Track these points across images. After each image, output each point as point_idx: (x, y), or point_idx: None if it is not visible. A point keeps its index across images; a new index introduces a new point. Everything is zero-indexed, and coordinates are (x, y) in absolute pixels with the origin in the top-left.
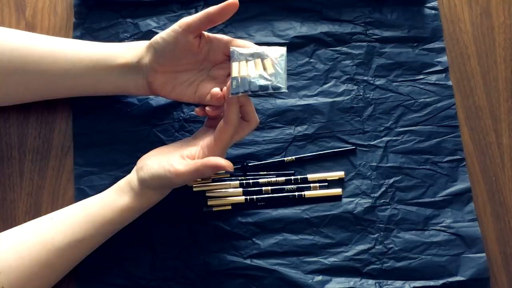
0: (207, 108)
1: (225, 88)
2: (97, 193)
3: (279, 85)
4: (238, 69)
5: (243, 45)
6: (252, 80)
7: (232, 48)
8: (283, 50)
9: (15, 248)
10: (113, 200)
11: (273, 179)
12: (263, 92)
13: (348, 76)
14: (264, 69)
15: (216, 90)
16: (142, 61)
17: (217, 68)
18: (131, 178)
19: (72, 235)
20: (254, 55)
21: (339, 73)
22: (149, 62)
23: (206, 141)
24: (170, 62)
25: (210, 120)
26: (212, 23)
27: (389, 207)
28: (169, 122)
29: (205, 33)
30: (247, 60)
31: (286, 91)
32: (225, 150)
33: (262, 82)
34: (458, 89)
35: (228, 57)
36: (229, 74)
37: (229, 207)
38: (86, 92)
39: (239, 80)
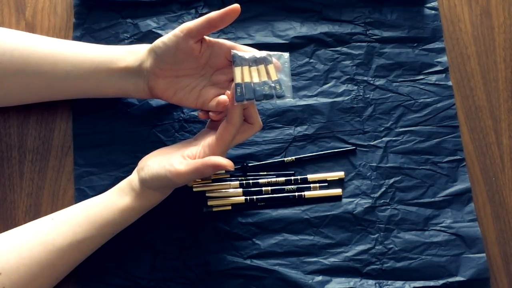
0: (210, 113)
1: (228, 92)
2: (97, 194)
3: (284, 93)
4: (241, 75)
5: (248, 51)
6: (257, 88)
7: (233, 52)
8: (286, 55)
9: (16, 249)
10: (114, 201)
11: (273, 180)
12: (268, 100)
13: (348, 77)
14: (268, 75)
15: (223, 98)
16: (143, 65)
17: (218, 74)
18: (132, 178)
19: (73, 236)
20: (257, 61)
21: (339, 74)
22: (150, 66)
23: (207, 140)
24: (171, 66)
25: (212, 122)
26: (214, 28)
27: (389, 207)
28: (169, 123)
29: (207, 37)
30: (250, 66)
31: (292, 100)
32: (226, 150)
33: (267, 91)
34: (458, 89)
35: (230, 62)
36: (231, 80)
37: (229, 208)
38: (87, 94)
39: (243, 87)
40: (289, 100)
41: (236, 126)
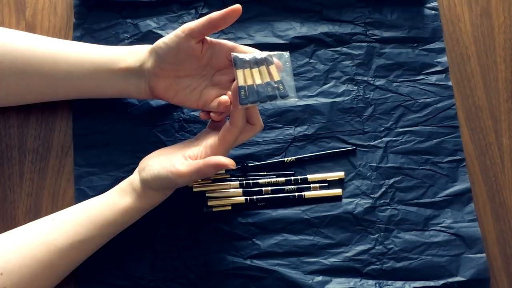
0: (212, 113)
1: (230, 93)
2: (97, 194)
3: (287, 93)
4: (244, 78)
5: (249, 52)
6: (260, 90)
7: (233, 55)
8: (286, 54)
9: (18, 249)
10: (115, 201)
11: (273, 180)
12: (272, 101)
13: (348, 77)
14: (270, 76)
15: (225, 98)
16: (144, 65)
17: (220, 74)
18: (133, 179)
19: (74, 236)
20: (258, 62)
21: (339, 74)
22: (152, 67)
23: (209, 141)
24: (172, 67)
25: (213, 122)
26: (215, 29)
27: (389, 207)
28: (169, 123)
29: (208, 38)
30: (251, 67)
31: (297, 99)
32: (228, 150)
33: (271, 92)
34: (458, 89)
35: (231, 63)
36: (232, 80)
37: (229, 208)
38: (87, 95)
39: (247, 90)
40: (294, 100)
41: (240, 128)
